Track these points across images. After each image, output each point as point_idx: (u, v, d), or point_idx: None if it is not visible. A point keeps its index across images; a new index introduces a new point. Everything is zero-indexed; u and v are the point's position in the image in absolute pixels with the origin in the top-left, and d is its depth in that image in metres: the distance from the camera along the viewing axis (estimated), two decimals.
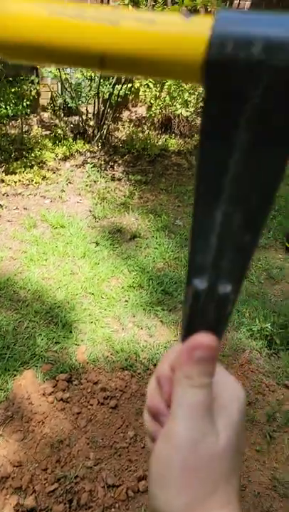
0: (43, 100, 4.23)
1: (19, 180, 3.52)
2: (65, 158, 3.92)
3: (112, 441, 1.81)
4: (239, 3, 4.51)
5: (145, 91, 4.34)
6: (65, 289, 2.56)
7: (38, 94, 4.07)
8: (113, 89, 3.95)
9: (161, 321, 2.43)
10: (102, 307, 2.47)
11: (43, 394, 1.95)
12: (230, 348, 2.30)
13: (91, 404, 1.94)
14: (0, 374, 2.00)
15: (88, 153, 4.00)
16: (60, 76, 3.78)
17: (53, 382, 2.01)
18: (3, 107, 3.60)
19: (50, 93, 4.19)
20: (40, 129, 4.11)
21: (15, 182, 3.49)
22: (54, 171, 3.75)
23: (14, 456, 1.71)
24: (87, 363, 2.12)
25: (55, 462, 1.71)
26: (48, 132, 4.09)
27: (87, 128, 4.10)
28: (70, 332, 2.28)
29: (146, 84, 4.34)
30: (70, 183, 3.68)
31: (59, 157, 3.88)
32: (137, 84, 4.30)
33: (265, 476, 1.76)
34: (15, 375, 2.01)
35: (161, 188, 3.84)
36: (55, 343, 2.21)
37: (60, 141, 3.97)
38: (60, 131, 4.01)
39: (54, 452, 1.74)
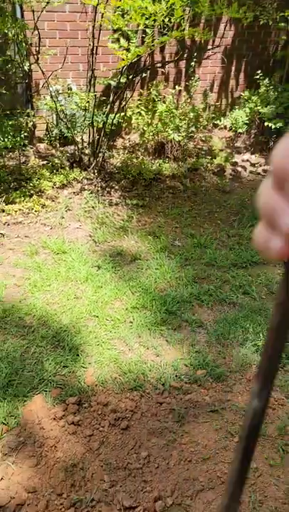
0: (39, 132, 4.35)
1: (19, 210, 3.59)
2: (63, 187, 4.01)
3: (126, 462, 1.81)
4: (223, 33, 4.72)
5: (138, 118, 4.48)
6: (70, 313, 2.59)
7: (34, 126, 4.19)
8: (107, 119, 4.08)
9: (167, 341, 2.45)
10: (107, 329, 2.49)
11: (54, 418, 1.95)
12: (236, 364, 2.32)
13: (102, 426, 1.94)
14: (10, 400, 2.00)
15: (85, 181, 4.09)
16: (56, 107, 3.91)
17: (63, 405, 2.01)
18: (2, 139, 3.71)
19: (45, 125, 4.31)
20: (37, 159, 4.21)
21: (15, 211, 3.56)
22: (53, 199, 3.83)
23: (28, 482, 1.69)
24: (96, 385, 2.13)
25: (70, 486, 1.70)
26: (45, 162, 4.18)
27: (83, 156, 4.20)
28: (77, 355, 2.29)
29: (139, 112, 4.49)
30: (68, 209, 3.75)
31: (57, 185, 3.96)
32: (129, 113, 4.45)
33: (281, 491, 1.75)
34: (25, 401, 2.01)
35: (158, 210, 3.92)
36: (63, 366, 2.22)
37: (57, 170, 4.07)
38: (56, 161, 4.11)
39: (68, 476, 1.73)
